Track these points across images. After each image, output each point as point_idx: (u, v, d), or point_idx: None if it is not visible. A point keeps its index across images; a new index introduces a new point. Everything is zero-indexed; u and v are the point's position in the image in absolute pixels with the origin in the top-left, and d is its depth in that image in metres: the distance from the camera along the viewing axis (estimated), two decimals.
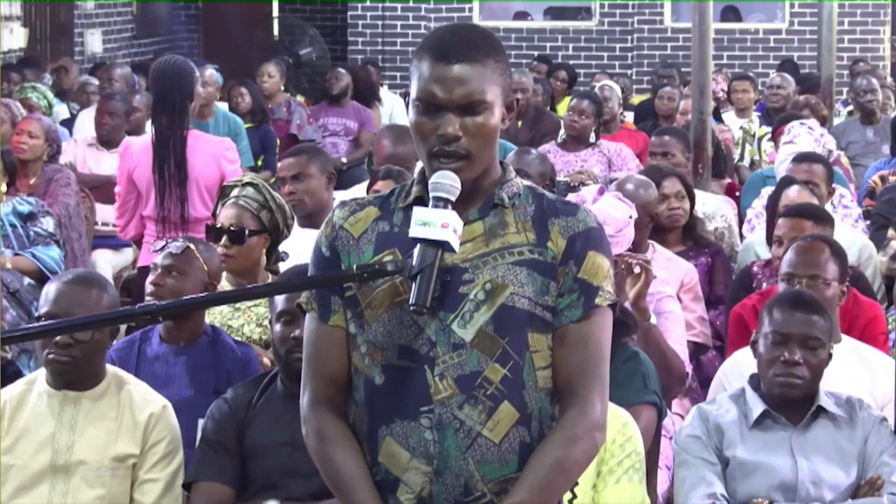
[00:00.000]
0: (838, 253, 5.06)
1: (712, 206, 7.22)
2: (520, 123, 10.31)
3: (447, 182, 2.87)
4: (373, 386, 2.95)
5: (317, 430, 2.99)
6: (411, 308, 2.82)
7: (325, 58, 13.97)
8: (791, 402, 4.35)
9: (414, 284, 2.82)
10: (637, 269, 5.01)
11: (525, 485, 2.89)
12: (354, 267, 2.92)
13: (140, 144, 6.68)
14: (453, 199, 2.87)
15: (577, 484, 4.00)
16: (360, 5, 16.17)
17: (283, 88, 11.65)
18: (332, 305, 2.99)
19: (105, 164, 8.83)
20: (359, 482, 2.93)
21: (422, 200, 2.94)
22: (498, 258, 2.92)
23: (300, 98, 12.60)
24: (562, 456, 2.90)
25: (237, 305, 5.23)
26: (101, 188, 8.40)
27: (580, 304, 2.93)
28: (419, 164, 3.04)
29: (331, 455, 2.96)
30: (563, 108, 11.43)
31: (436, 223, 2.82)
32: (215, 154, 6.58)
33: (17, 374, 5.03)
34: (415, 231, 2.83)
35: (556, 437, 2.93)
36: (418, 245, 2.83)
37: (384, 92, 12.66)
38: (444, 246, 2.83)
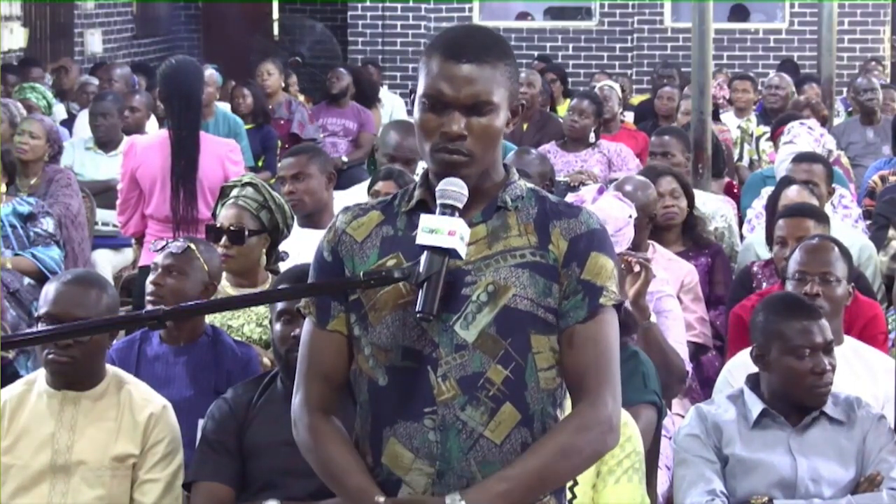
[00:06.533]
0: (845, 253, 5.10)
1: (712, 206, 7.22)
2: (525, 126, 10.30)
3: (454, 189, 2.87)
4: (376, 387, 2.96)
5: (308, 426, 2.99)
6: (418, 315, 2.83)
7: (331, 56, 13.95)
8: (798, 404, 4.37)
9: (421, 291, 2.82)
10: (637, 268, 5.02)
11: (521, 462, 2.87)
12: (361, 273, 2.91)
13: (145, 143, 6.70)
14: (460, 206, 2.87)
15: (576, 484, 4.01)
16: (360, 5, 16.17)
17: (283, 86, 11.65)
18: (332, 311, 3.00)
19: (104, 167, 8.82)
20: (354, 471, 2.93)
21: (424, 204, 2.95)
22: (500, 261, 2.92)
23: (301, 97, 12.61)
24: (567, 442, 2.88)
25: None
26: (100, 194, 8.39)
27: (585, 304, 2.93)
28: (421, 164, 3.05)
29: (323, 447, 2.97)
30: (562, 110, 11.44)
31: (443, 230, 2.82)
32: (220, 156, 6.61)
33: (15, 376, 5.04)
34: (422, 238, 2.83)
35: (564, 424, 2.93)
36: (425, 252, 2.83)
37: (384, 92, 12.67)
38: (450, 253, 2.83)
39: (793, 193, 6.38)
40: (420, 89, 2.92)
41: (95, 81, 11.13)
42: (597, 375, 2.92)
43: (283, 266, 5.44)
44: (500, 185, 2.99)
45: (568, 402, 3.02)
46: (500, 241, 2.94)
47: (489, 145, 2.92)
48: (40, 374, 4.24)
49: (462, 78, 2.87)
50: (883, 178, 8.40)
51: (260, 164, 10.29)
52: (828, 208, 6.78)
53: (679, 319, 5.42)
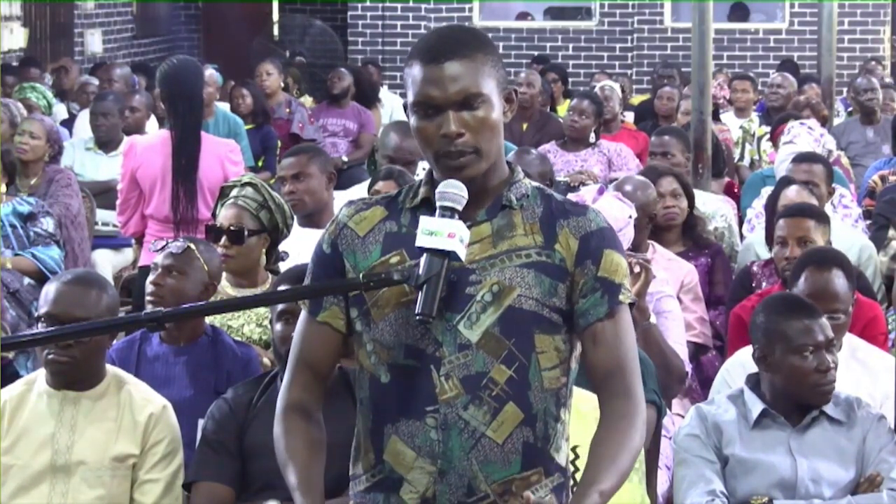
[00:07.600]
0: (848, 271, 4.96)
1: (712, 206, 7.23)
2: (524, 126, 10.30)
3: (454, 191, 2.87)
4: (378, 384, 2.96)
5: (280, 413, 3.03)
6: (417, 317, 2.83)
7: (333, 55, 13.94)
8: (802, 403, 4.36)
9: (420, 293, 2.82)
10: (637, 269, 5.02)
11: (606, 471, 2.85)
12: (360, 276, 2.92)
13: (145, 144, 6.70)
14: (460, 207, 2.87)
15: (577, 483, 4.00)
16: (360, 5, 16.18)
17: (282, 86, 11.65)
18: (324, 302, 3.01)
19: (104, 167, 8.81)
20: (299, 466, 2.94)
21: (429, 202, 2.94)
22: (505, 260, 2.92)
23: (305, 98, 12.60)
24: (625, 440, 2.88)
25: None
26: (101, 194, 8.38)
27: (605, 301, 2.93)
28: (422, 164, 3.05)
29: (284, 437, 2.99)
30: (562, 110, 11.44)
31: (442, 233, 2.82)
32: (219, 156, 6.61)
33: (15, 376, 5.04)
34: (421, 240, 2.83)
35: (615, 424, 2.91)
36: (425, 254, 2.83)
37: (384, 92, 12.67)
38: (450, 255, 2.83)
39: (792, 193, 6.37)
40: (409, 99, 2.93)
41: (95, 81, 11.13)
42: (625, 371, 2.93)
43: (283, 266, 5.44)
44: (504, 184, 2.98)
45: (573, 401, 3.02)
46: (506, 241, 2.94)
47: (490, 137, 2.91)
48: (40, 374, 4.24)
49: (446, 77, 2.87)
50: (883, 178, 8.39)
51: (260, 164, 10.29)
52: (828, 208, 6.77)
53: (679, 320, 5.42)
